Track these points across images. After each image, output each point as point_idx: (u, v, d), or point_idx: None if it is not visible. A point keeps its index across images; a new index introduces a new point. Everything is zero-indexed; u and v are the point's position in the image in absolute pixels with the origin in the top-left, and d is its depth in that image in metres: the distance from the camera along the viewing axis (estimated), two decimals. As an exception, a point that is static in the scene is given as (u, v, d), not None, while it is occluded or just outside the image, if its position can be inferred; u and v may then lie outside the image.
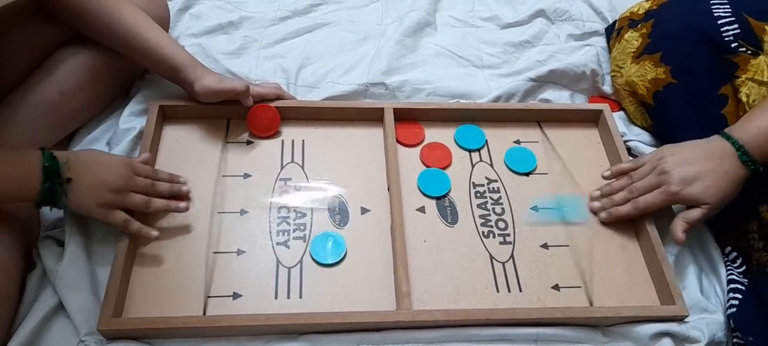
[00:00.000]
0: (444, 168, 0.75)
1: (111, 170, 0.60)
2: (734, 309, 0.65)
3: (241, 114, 0.75)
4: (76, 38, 0.72)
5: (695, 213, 0.64)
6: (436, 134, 0.78)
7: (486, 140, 0.77)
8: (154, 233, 0.62)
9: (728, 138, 0.64)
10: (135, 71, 0.81)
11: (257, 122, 0.75)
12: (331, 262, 0.64)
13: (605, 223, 0.70)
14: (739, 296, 0.65)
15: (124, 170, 0.61)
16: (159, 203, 0.63)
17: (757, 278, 0.65)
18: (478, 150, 0.77)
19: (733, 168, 0.63)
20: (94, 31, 0.70)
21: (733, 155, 0.63)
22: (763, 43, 0.70)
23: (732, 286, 0.67)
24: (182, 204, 0.65)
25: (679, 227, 0.64)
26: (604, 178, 0.72)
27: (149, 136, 0.71)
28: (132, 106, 0.77)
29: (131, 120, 0.75)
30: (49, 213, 0.66)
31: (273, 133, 0.75)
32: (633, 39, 0.83)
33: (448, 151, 0.76)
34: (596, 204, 0.71)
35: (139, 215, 0.63)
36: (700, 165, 0.64)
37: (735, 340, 0.63)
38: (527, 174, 0.75)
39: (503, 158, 0.76)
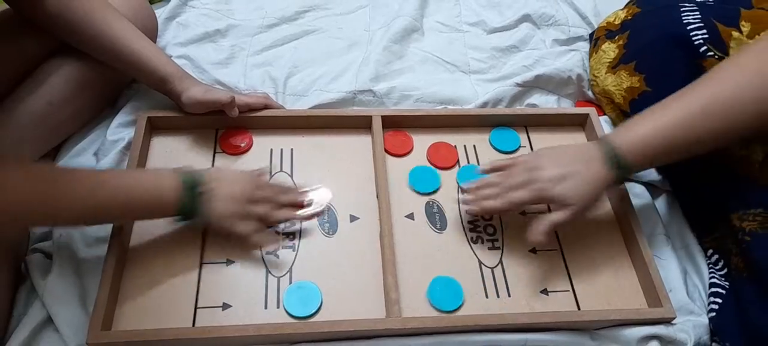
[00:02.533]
0: (449, 168, 0.75)
1: (239, 182, 0.64)
2: (714, 313, 0.65)
3: (229, 124, 0.75)
4: (64, 49, 0.72)
5: (559, 215, 0.62)
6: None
7: (520, 143, 0.79)
8: (276, 246, 0.66)
9: (603, 143, 0.63)
10: (122, 82, 0.81)
11: (229, 143, 0.76)
12: (305, 315, 0.61)
13: (474, 214, 0.70)
14: (719, 301, 0.66)
15: (251, 182, 0.65)
16: (280, 214, 0.66)
17: (735, 282, 0.66)
18: (514, 152, 0.78)
19: (600, 171, 0.62)
20: (82, 43, 0.70)
21: (600, 159, 0.62)
22: (729, 48, 0.71)
23: (713, 289, 0.68)
24: (302, 212, 0.68)
25: (539, 229, 0.62)
26: (482, 171, 0.70)
27: (137, 147, 0.71)
28: (120, 118, 0.77)
29: (119, 131, 0.75)
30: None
31: (244, 150, 0.75)
32: (610, 50, 0.84)
33: (455, 151, 0.77)
34: (468, 196, 0.68)
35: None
36: (570, 166, 0.62)
37: (714, 344, 0.64)
38: (512, 152, 0.78)
39: (488, 138, 0.79)
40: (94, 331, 0.56)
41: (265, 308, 0.62)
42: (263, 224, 0.66)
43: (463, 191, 0.70)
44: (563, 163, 0.63)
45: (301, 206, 0.69)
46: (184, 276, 0.63)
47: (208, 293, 0.63)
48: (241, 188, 0.64)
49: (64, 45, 0.72)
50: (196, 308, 0.62)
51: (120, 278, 0.62)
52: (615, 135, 0.63)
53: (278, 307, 0.62)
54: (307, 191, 0.70)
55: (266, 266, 0.65)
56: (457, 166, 0.76)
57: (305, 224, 0.69)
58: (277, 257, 0.65)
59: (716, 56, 0.70)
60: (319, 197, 0.71)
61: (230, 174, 0.66)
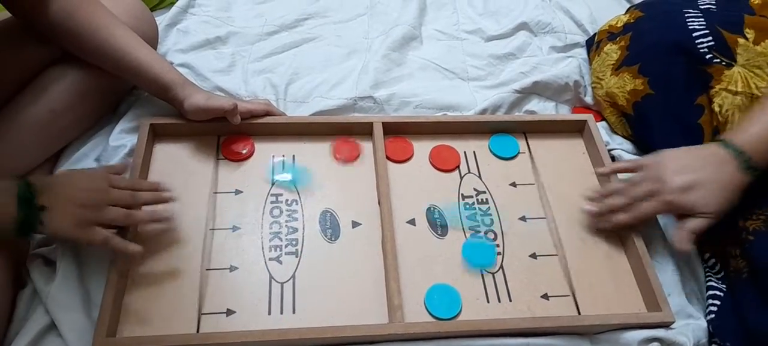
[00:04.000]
0: (451, 170, 0.76)
1: (84, 187, 0.58)
2: (713, 315, 0.66)
3: (231, 131, 0.76)
4: (65, 57, 0.72)
5: (698, 222, 0.62)
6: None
7: (519, 149, 0.80)
8: (136, 248, 0.60)
9: (727, 145, 0.63)
10: (123, 89, 0.81)
11: (231, 149, 0.76)
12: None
13: (600, 231, 0.70)
14: (718, 303, 0.67)
15: (98, 184, 0.59)
16: (140, 214, 0.61)
17: (734, 284, 0.67)
18: (513, 159, 0.79)
19: (734, 175, 0.62)
20: (84, 51, 0.70)
21: (732, 162, 0.62)
22: (736, 54, 0.72)
23: (711, 292, 0.68)
24: (165, 212, 0.62)
25: (683, 238, 0.63)
26: (600, 173, 0.71)
27: (140, 154, 0.71)
28: (122, 124, 0.77)
29: (122, 137, 0.75)
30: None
31: (246, 156, 0.76)
32: (612, 51, 0.85)
33: (457, 154, 0.78)
34: (593, 208, 0.69)
35: (126, 231, 0.62)
36: (697, 173, 0.62)
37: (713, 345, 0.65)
38: (511, 158, 0.78)
39: (488, 144, 0.79)
40: (99, 338, 0.57)
41: (269, 313, 0.63)
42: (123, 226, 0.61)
43: (590, 200, 0.69)
44: (689, 169, 0.63)
45: (164, 201, 0.64)
46: (187, 282, 0.64)
47: (212, 300, 0.63)
48: (84, 192, 0.58)
49: (65, 52, 0.72)
50: (200, 314, 0.62)
51: (124, 285, 0.63)
52: (734, 136, 0.64)
53: (282, 313, 0.63)
54: (167, 189, 0.65)
55: (269, 273, 0.66)
56: (458, 170, 0.77)
57: (308, 230, 0.69)
58: (137, 252, 0.60)
59: (723, 63, 0.71)
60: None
61: (76, 179, 0.61)
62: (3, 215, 0.54)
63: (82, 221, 0.57)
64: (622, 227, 0.68)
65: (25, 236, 0.57)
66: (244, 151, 0.75)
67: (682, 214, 0.64)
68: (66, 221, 0.56)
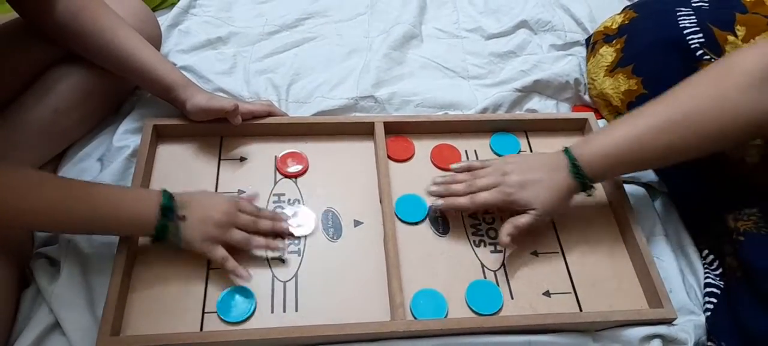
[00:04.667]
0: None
1: (217, 207, 0.63)
2: (710, 313, 0.66)
3: (234, 132, 0.76)
4: (68, 57, 0.73)
5: (523, 219, 0.65)
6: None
7: (520, 148, 0.80)
8: (247, 275, 0.63)
9: (567, 153, 0.65)
10: (126, 89, 0.82)
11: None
12: (237, 319, 0.61)
13: (440, 210, 0.71)
14: (714, 300, 0.67)
15: (229, 208, 0.63)
16: (259, 241, 0.65)
17: (729, 282, 0.67)
18: None
19: (564, 180, 0.65)
20: (89, 51, 0.71)
21: (566, 168, 0.65)
22: (725, 52, 0.72)
23: (708, 289, 0.69)
24: (281, 244, 0.66)
25: (505, 230, 0.65)
26: (452, 170, 0.72)
27: (144, 155, 0.71)
28: (126, 125, 0.77)
29: (125, 138, 0.76)
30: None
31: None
32: (607, 54, 0.86)
33: (457, 152, 0.78)
34: (434, 188, 0.70)
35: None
36: (536, 173, 0.65)
37: (710, 343, 0.65)
38: None
39: (489, 143, 0.80)
40: (104, 337, 0.57)
41: (272, 312, 0.63)
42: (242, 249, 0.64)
43: (434, 183, 0.71)
44: (529, 169, 0.66)
45: (282, 233, 0.68)
46: (191, 281, 0.64)
47: (216, 298, 0.63)
48: (217, 212, 0.63)
49: (69, 52, 0.72)
50: (203, 312, 0.62)
51: (128, 284, 0.63)
52: (578, 146, 0.66)
53: (284, 311, 0.63)
54: (288, 218, 0.69)
55: (272, 272, 0.66)
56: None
57: (310, 230, 0.70)
58: (246, 279, 0.63)
59: (713, 59, 0.72)
60: (304, 219, 0.70)
61: (210, 198, 0.65)
62: (146, 219, 0.59)
63: (209, 237, 0.62)
64: (459, 210, 0.71)
65: (159, 241, 0.61)
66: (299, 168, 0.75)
67: (515, 210, 0.66)
68: (197, 234, 0.61)
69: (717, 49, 0.72)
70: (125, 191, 0.64)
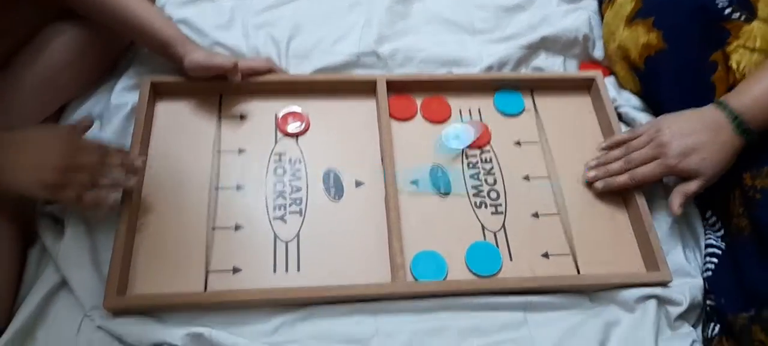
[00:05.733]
0: (441, 122, 0.76)
1: (51, 149, 0.55)
2: (710, 273, 0.67)
3: (233, 89, 0.75)
4: (62, 15, 0.71)
5: (692, 186, 0.65)
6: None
7: (524, 106, 0.79)
8: (112, 196, 0.58)
9: (724, 108, 0.64)
10: (122, 45, 0.80)
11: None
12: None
13: (601, 192, 0.71)
14: (715, 261, 0.67)
15: (66, 147, 0.56)
16: (106, 182, 0.59)
17: (734, 242, 0.67)
18: (518, 115, 0.78)
19: (729, 138, 0.63)
20: (83, 7, 0.69)
21: (728, 126, 0.63)
22: (757, 9, 0.70)
23: (709, 250, 0.69)
24: (131, 181, 0.61)
25: (677, 199, 0.65)
26: (602, 148, 0.73)
27: (142, 113, 0.71)
28: (123, 82, 0.76)
29: (123, 95, 0.75)
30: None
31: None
32: (626, 3, 0.82)
33: (447, 106, 0.77)
34: (592, 173, 0.71)
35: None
36: (696, 136, 0.64)
37: (708, 301, 0.66)
38: (516, 115, 0.77)
39: (492, 101, 0.78)
40: (111, 296, 0.58)
41: (274, 271, 0.64)
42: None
43: (589, 167, 0.71)
44: (689, 133, 0.64)
45: (134, 170, 0.62)
46: (194, 241, 0.65)
47: (219, 258, 0.64)
48: (56, 154, 0.55)
49: (63, 10, 0.70)
50: (207, 272, 0.63)
51: (132, 243, 0.64)
52: (732, 99, 0.64)
53: (287, 271, 0.64)
54: (137, 155, 0.64)
55: (274, 231, 0.67)
56: (450, 122, 0.76)
57: (311, 189, 0.70)
58: (113, 202, 0.59)
59: (743, 17, 0.69)
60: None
61: (41, 138, 0.57)
62: None
63: (49, 185, 0.55)
64: (622, 190, 0.70)
65: None
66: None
67: (679, 177, 0.65)
68: (36, 181, 0.54)
69: (747, 5, 0.70)
70: None
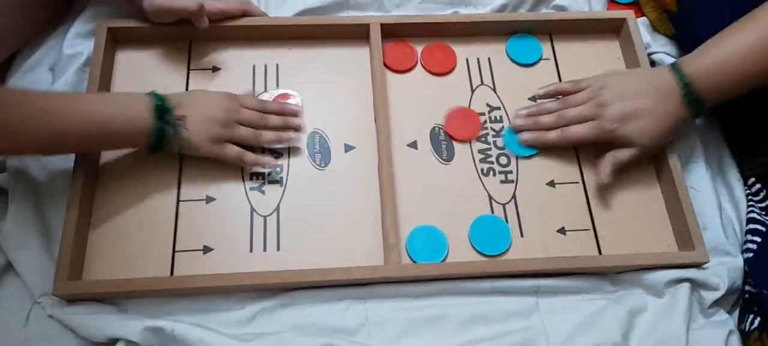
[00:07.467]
0: (445, 73, 0.67)
1: (216, 104, 0.58)
2: (751, 254, 0.59)
3: (204, 36, 0.65)
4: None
5: (624, 154, 0.58)
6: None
7: (542, 53, 0.69)
8: (275, 162, 0.60)
9: (677, 72, 0.57)
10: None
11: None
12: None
13: (528, 144, 0.62)
14: (758, 239, 0.60)
15: (229, 103, 0.59)
16: (269, 135, 0.60)
17: None
18: (534, 65, 0.69)
19: (675, 108, 0.57)
20: None
21: (678, 92, 0.57)
22: None
23: (751, 226, 0.61)
24: (293, 135, 0.61)
25: (606, 167, 0.58)
26: (538, 96, 0.64)
27: (98, 63, 0.61)
28: (77, 27, 0.67)
29: (77, 43, 0.66)
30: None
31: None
32: None
33: (452, 54, 0.68)
34: (519, 122, 0.63)
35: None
36: (639, 101, 0.58)
37: (747, 287, 0.58)
38: (532, 65, 0.68)
39: (505, 48, 0.69)
40: (61, 281, 0.51)
41: (251, 250, 0.57)
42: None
43: (517, 115, 0.63)
44: (632, 95, 0.58)
45: (292, 125, 0.62)
46: (159, 216, 0.57)
47: (187, 235, 0.57)
48: (221, 109, 0.57)
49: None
50: (174, 251, 0.56)
51: (88, 219, 0.56)
52: (688, 62, 0.58)
53: (265, 250, 0.57)
54: (296, 113, 0.63)
55: (250, 204, 0.59)
56: (454, 72, 0.67)
57: (294, 155, 0.62)
58: (276, 166, 0.60)
59: None
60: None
61: (207, 96, 0.59)
62: (140, 126, 0.53)
63: (215, 138, 0.57)
64: (549, 146, 0.62)
65: (159, 150, 0.56)
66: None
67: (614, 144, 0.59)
68: (203, 135, 0.56)
69: None
70: (110, 97, 0.59)
